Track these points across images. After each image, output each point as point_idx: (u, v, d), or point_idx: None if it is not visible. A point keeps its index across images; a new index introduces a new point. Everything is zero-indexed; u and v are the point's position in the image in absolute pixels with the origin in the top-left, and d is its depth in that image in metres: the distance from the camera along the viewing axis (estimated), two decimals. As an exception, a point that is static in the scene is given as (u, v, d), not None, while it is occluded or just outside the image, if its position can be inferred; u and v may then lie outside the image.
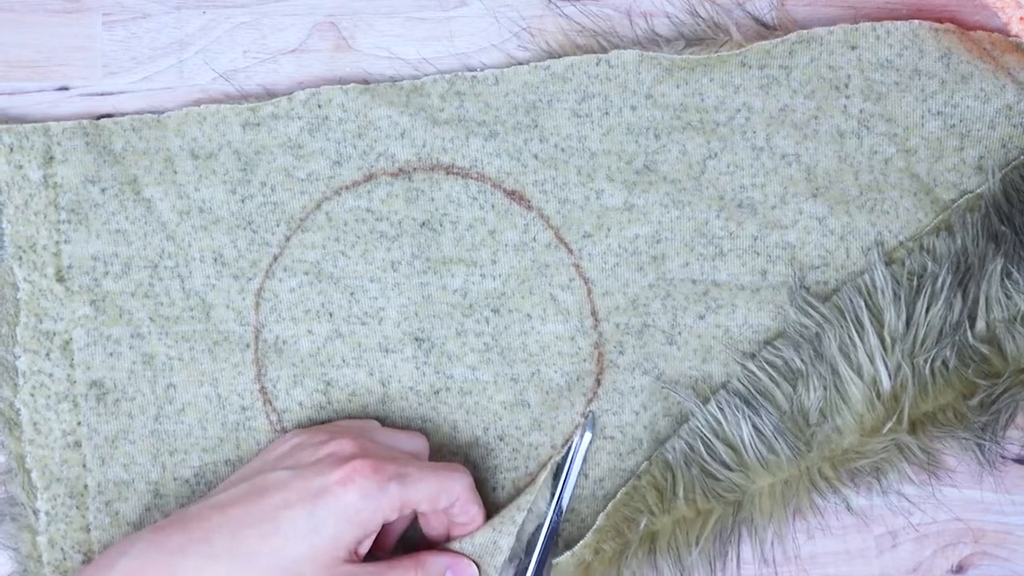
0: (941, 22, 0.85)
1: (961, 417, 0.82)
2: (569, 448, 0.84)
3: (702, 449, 0.83)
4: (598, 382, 0.85)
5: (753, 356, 0.84)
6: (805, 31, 0.85)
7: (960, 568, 0.85)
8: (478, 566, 0.81)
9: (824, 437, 0.82)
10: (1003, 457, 0.85)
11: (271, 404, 0.85)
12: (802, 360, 0.82)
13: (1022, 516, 0.85)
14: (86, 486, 0.84)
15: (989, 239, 0.82)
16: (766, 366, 0.83)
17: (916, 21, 0.84)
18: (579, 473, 0.84)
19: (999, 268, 0.82)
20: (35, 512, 0.83)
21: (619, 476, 0.85)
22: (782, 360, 0.83)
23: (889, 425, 0.81)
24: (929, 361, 0.81)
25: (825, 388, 0.81)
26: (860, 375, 0.81)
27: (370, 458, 0.76)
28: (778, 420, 0.82)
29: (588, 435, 0.84)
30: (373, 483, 0.76)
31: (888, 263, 0.84)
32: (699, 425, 0.83)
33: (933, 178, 0.85)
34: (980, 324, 0.81)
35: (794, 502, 0.83)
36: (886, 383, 0.81)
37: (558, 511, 0.83)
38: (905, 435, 0.81)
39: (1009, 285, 0.81)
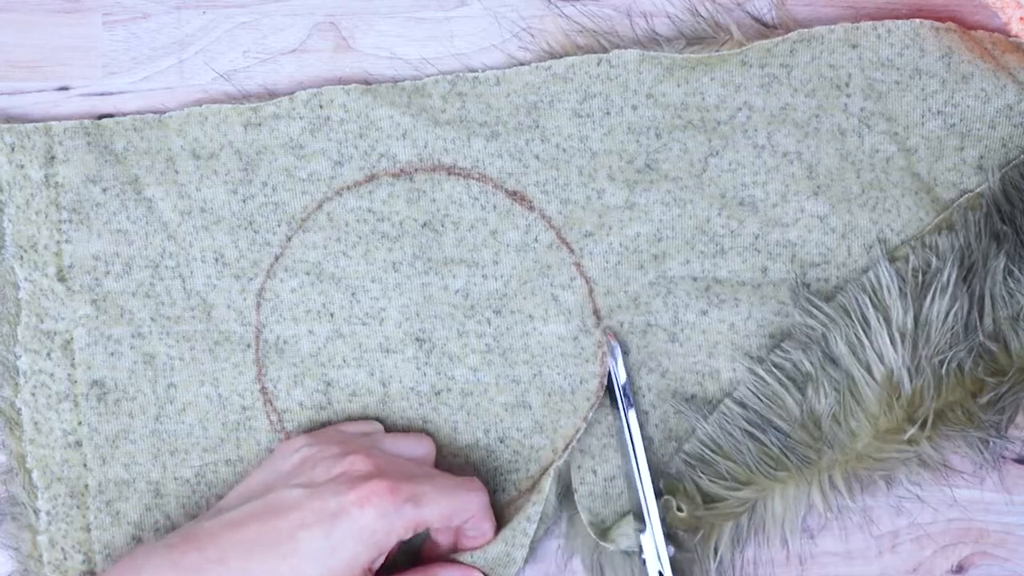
0: (942, 21, 0.85)
1: (969, 415, 0.82)
2: (611, 376, 0.84)
3: (702, 469, 0.83)
4: (602, 384, 0.85)
5: (761, 360, 0.84)
6: (806, 30, 0.85)
7: (960, 568, 0.85)
8: None
9: (838, 442, 0.81)
10: (1003, 457, 0.85)
11: (271, 404, 0.85)
12: (811, 362, 0.82)
13: (1022, 516, 0.86)
14: (87, 486, 0.84)
15: (991, 238, 0.82)
16: (774, 369, 0.83)
17: (917, 20, 0.85)
18: (630, 390, 0.84)
19: (1001, 266, 0.82)
20: (36, 511, 0.83)
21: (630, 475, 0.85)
22: (791, 363, 0.83)
23: (911, 432, 0.80)
24: (946, 362, 0.81)
25: (837, 391, 0.81)
26: (872, 375, 0.81)
27: (386, 478, 0.76)
28: (785, 437, 0.82)
29: (616, 347, 0.84)
30: (389, 504, 0.76)
31: (891, 260, 0.84)
32: (700, 446, 0.83)
33: (934, 177, 0.85)
34: (987, 320, 0.81)
35: (805, 502, 0.83)
36: (906, 384, 0.80)
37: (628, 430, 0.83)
38: (926, 444, 0.81)
39: (1012, 283, 0.81)
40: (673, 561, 0.81)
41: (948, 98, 0.85)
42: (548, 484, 0.83)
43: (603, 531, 0.84)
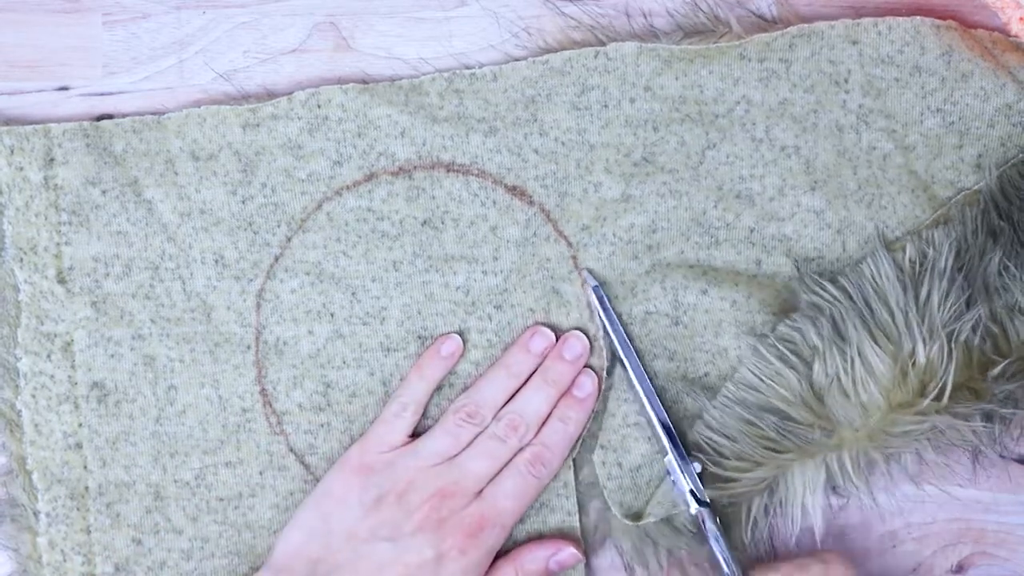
0: (942, 20, 0.84)
1: (978, 394, 0.80)
2: (593, 310, 0.85)
3: (714, 448, 0.83)
4: (608, 373, 0.85)
5: (765, 336, 0.83)
6: (806, 25, 0.85)
7: (960, 568, 0.85)
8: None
9: (848, 420, 0.80)
10: (1003, 457, 0.85)
11: (271, 406, 0.85)
12: (820, 335, 0.81)
13: (1022, 516, 0.85)
14: (87, 488, 0.84)
15: (987, 233, 0.82)
16: (778, 344, 0.82)
17: (918, 18, 0.84)
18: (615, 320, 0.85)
19: (996, 260, 0.81)
20: (36, 513, 0.83)
21: (656, 461, 0.84)
22: (799, 334, 0.82)
23: (926, 403, 0.79)
24: (954, 334, 0.80)
25: (845, 361, 0.80)
26: (882, 347, 0.80)
27: (469, 519, 0.80)
28: (781, 420, 0.81)
29: (591, 283, 0.85)
30: (481, 544, 0.80)
31: (888, 251, 0.83)
32: (707, 429, 0.83)
33: (931, 175, 0.85)
34: (984, 307, 0.81)
35: (822, 483, 0.82)
36: (920, 353, 0.79)
37: (631, 357, 0.84)
38: (938, 418, 0.80)
39: (1007, 278, 0.81)
40: (702, 476, 0.83)
41: (947, 96, 0.84)
42: (571, 475, 0.84)
43: (637, 515, 0.84)
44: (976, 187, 0.84)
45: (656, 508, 0.83)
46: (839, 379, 0.80)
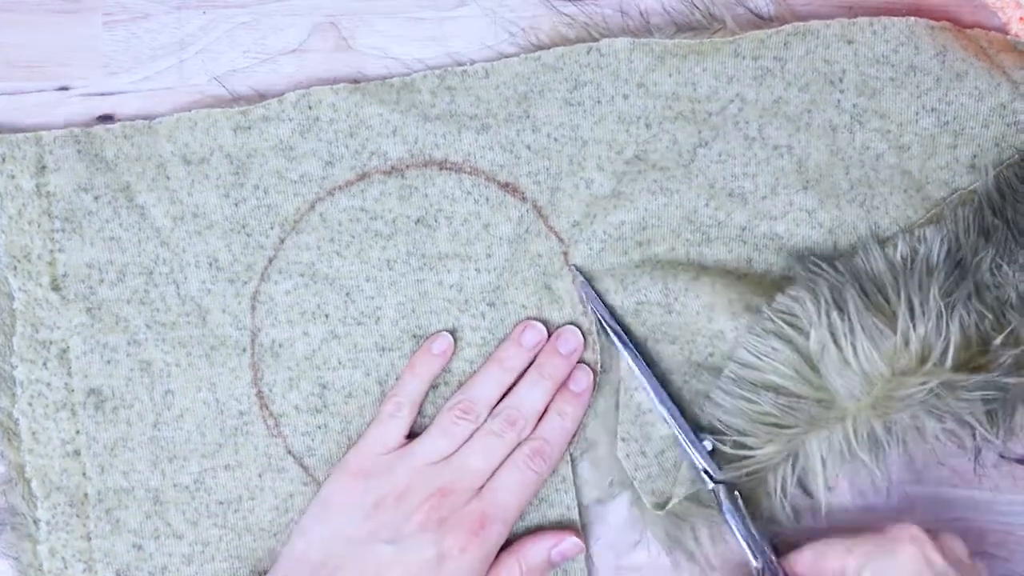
0: (938, 21, 0.83)
1: (982, 369, 0.79)
2: (588, 306, 0.85)
3: (724, 428, 0.82)
4: (607, 369, 0.85)
5: (761, 311, 0.82)
6: (801, 23, 0.84)
7: (960, 568, 0.85)
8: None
9: (848, 392, 0.79)
10: (1004, 457, 0.84)
11: (267, 409, 0.85)
12: (815, 302, 0.80)
13: (1022, 516, 0.84)
14: (86, 494, 0.84)
15: (979, 233, 0.81)
16: (774, 317, 0.81)
17: (912, 18, 0.83)
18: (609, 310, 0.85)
19: (989, 259, 0.80)
20: (35, 521, 0.84)
21: (676, 442, 0.84)
22: (798, 304, 0.80)
23: (928, 367, 0.78)
24: (951, 306, 0.78)
25: (844, 325, 0.79)
26: (881, 319, 0.79)
27: (469, 517, 0.80)
28: (776, 396, 0.80)
29: (578, 278, 0.85)
30: (483, 541, 0.80)
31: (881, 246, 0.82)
32: (715, 408, 0.83)
33: (925, 175, 0.83)
34: (975, 301, 0.79)
35: (837, 455, 0.81)
36: (919, 325, 0.78)
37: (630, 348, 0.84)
38: (941, 383, 0.78)
39: (1000, 276, 0.80)
40: (715, 454, 0.82)
41: (942, 95, 0.83)
42: (569, 470, 0.84)
43: (669, 499, 0.84)
44: (971, 187, 0.83)
45: (680, 489, 0.83)
46: (839, 347, 0.79)
